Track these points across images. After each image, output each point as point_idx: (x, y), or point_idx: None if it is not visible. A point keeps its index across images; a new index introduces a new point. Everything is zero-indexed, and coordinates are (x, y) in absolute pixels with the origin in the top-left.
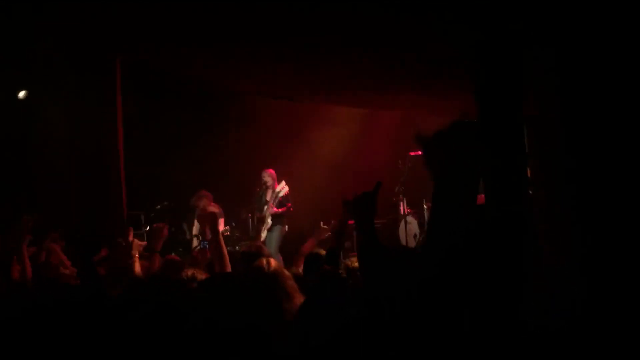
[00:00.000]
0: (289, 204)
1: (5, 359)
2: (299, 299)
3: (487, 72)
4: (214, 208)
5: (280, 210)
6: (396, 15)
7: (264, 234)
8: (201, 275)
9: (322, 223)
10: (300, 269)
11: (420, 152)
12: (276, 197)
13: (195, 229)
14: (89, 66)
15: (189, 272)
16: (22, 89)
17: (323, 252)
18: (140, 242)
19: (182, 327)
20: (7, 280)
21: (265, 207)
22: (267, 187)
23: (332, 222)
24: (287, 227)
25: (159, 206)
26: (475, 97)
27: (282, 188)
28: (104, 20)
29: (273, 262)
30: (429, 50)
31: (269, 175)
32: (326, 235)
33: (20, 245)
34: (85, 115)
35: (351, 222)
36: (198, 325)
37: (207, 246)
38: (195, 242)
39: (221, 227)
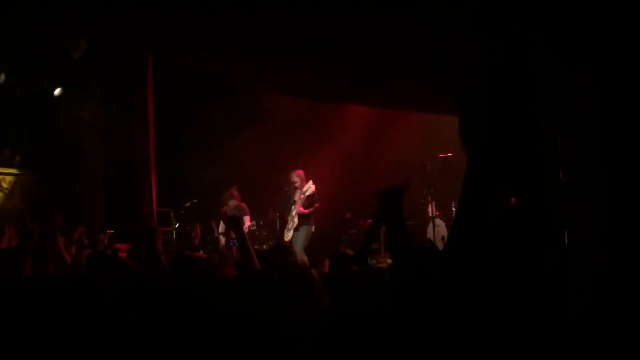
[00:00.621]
0: (317, 204)
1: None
2: (325, 299)
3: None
4: (234, 202)
5: (306, 210)
6: (426, 13)
7: (290, 233)
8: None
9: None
10: (326, 269)
11: (449, 155)
12: (304, 196)
13: (221, 228)
14: (121, 64)
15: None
16: (57, 87)
17: (350, 251)
18: (160, 229)
19: (214, 322)
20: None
21: (293, 207)
22: (295, 188)
23: (365, 221)
24: (313, 227)
25: (188, 204)
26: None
27: (309, 187)
28: (136, 19)
29: (301, 259)
30: (461, 50)
31: (297, 176)
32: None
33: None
34: (117, 112)
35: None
36: (229, 320)
37: (235, 244)
38: (222, 240)
39: (247, 224)
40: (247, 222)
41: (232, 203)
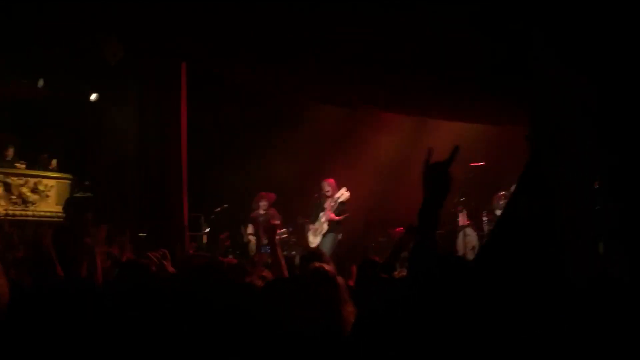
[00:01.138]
0: (348, 214)
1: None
2: (350, 307)
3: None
4: (264, 205)
5: (337, 217)
6: (457, 24)
7: (318, 239)
8: (265, 275)
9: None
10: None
11: (481, 163)
12: (335, 203)
13: (250, 229)
14: (156, 71)
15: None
16: (93, 93)
17: (378, 259)
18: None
19: (245, 328)
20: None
21: (322, 213)
22: (326, 196)
23: (394, 230)
24: (341, 235)
25: (219, 209)
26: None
27: (342, 194)
28: (171, 27)
29: (328, 267)
30: (486, 62)
31: (328, 185)
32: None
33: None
34: (151, 118)
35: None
36: (260, 326)
37: (267, 251)
38: (252, 243)
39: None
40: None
41: (263, 206)
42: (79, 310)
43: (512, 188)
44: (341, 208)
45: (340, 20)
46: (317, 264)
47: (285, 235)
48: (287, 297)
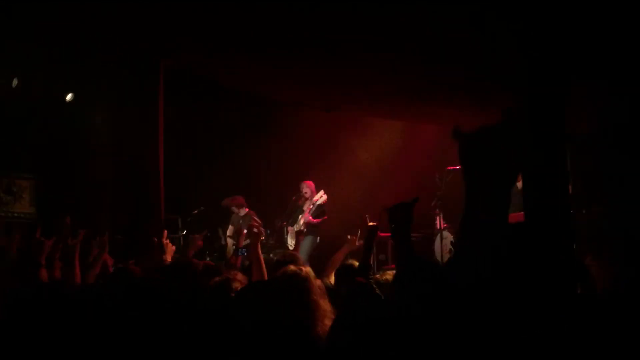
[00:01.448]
0: (325, 216)
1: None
2: (326, 306)
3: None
4: (242, 211)
5: (315, 220)
6: (441, 27)
7: (294, 242)
8: (238, 279)
9: (349, 236)
10: (332, 280)
11: (458, 167)
12: (314, 205)
13: (230, 231)
14: (132, 70)
15: (230, 276)
16: (69, 92)
17: (355, 263)
18: (172, 247)
19: (218, 330)
20: (51, 279)
21: (300, 216)
22: (305, 198)
23: (360, 231)
24: (319, 238)
25: (195, 211)
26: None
27: (321, 197)
28: (148, 24)
29: (305, 268)
30: (474, 64)
31: (307, 187)
32: (357, 245)
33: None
34: (127, 118)
35: (383, 234)
36: (234, 328)
37: (244, 254)
38: (229, 245)
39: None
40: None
41: (240, 211)
42: (59, 313)
43: None
44: (319, 210)
45: (321, 22)
46: (291, 267)
47: (262, 238)
48: (260, 300)
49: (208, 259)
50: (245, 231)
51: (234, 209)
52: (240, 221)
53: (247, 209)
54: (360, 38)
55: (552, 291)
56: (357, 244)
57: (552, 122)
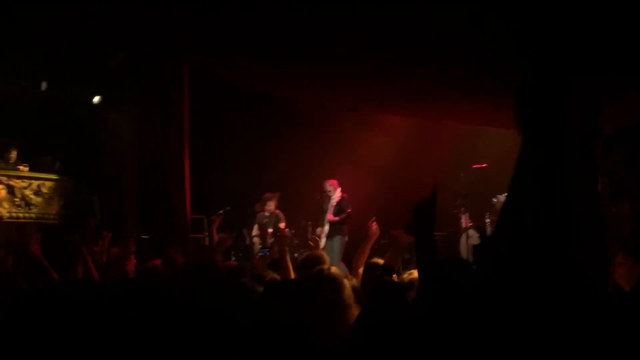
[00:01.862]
0: (349, 209)
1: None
2: (355, 310)
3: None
4: (270, 207)
5: (336, 217)
6: (463, 25)
7: (322, 241)
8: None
9: (370, 221)
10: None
11: (484, 165)
12: (331, 204)
13: (255, 231)
14: (158, 73)
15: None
16: (96, 95)
17: (380, 261)
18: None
19: (239, 330)
20: (73, 278)
21: (324, 215)
22: (329, 197)
23: (392, 232)
24: (347, 236)
25: (221, 211)
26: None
27: (335, 195)
28: (173, 28)
29: (333, 269)
30: (495, 62)
31: (330, 185)
32: (376, 232)
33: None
34: (153, 120)
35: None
36: (255, 328)
37: (266, 254)
38: (257, 244)
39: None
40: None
41: (269, 207)
42: (78, 312)
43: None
44: (337, 208)
45: (341, 22)
46: (325, 267)
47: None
48: (289, 300)
49: (233, 259)
50: (270, 230)
51: (259, 207)
52: (266, 220)
53: (273, 209)
54: (379, 38)
55: (576, 292)
56: (375, 230)
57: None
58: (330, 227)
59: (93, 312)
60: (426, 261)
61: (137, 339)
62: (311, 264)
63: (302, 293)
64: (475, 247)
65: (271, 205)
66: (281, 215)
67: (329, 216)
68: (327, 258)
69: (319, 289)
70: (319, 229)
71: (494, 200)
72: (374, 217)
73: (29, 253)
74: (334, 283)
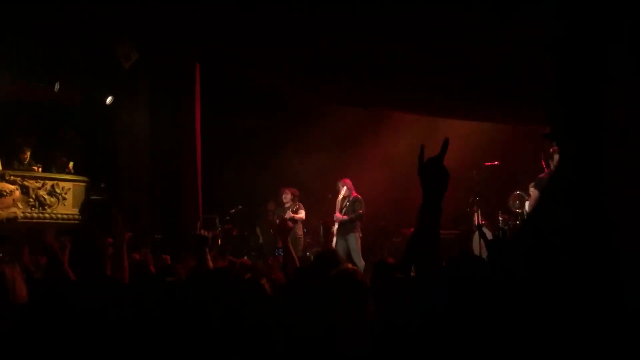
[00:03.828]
0: (361, 211)
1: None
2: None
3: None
4: (288, 199)
5: (344, 217)
6: (473, 18)
7: (333, 239)
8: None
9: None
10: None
11: (496, 163)
12: (343, 203)
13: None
14: (170, 72)
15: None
16: (108, 95)
17: (392, 260)
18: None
19: (254, 328)
20: (102, 276)
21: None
22: (342, 197)
23: (405, 231)
24: (360, 233)
25: (233, 210)
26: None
27: (344, 192)
28: (185, 28)
29: (359, 271)
30: (506, 56)
31: (343, 184)
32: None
33: (121, 243)
34: (165, 120)
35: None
36: (272, 327)
37: (280, 254)
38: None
39: (302, 215)
40: (303, 215)
41: (287, 200)
42: (98, 310)
43: (530, 188)
44: (351, 208)
45: (354, 22)
46: (348, 266)
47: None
48: (312, 299)
49: (245, 257)
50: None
51: (285, 197)
52: (276, 216)
53: (289, 201)
54: (390, 38)
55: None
56: None
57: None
58: (342, 225)
59: (110, 309)
60: (423, 255)
61: (154, 338)
62: (324, 260)
63: (327, 293)
64: (489, 243)
65: (288, 198)
66: (302, 207)
67: (337, 214)
68: (340, 255)
69: (345, 289)
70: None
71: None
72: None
73: (46, 244)
74: (361, 284)
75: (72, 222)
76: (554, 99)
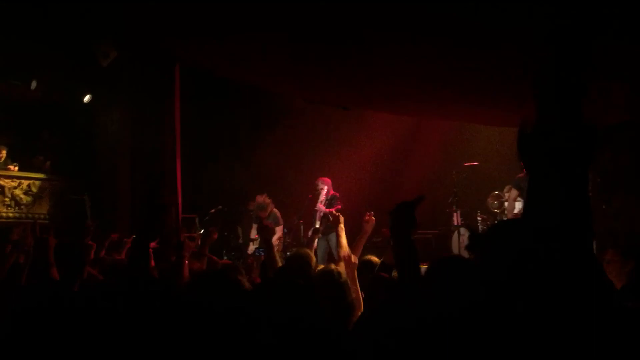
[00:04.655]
0: (339, 205)
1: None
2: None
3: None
4: (322, 196)
5: (327, 209)
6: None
7: (315, 241)
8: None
9: (366, 215)
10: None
11: (475, 163)
12: (321, 199)
13: (254, 232)
14: (149, 71)
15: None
16: (86, 94)
17: (374, 259)
18: (190, 243)
19: (237, 327)
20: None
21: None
22: (320, 195)
23: (384, 231)
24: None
25: (213, 210)
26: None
27: (325, 190)
28: (164, 26)
29: (343, 272)
30: (488, 57)
31: (323, 183)
32: (372, 228)
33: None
34: (144, 119)
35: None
36: (253, 325)
37: (261, 253)
38: (251, 247)
39: (278, 234)
40: (279, 232)
41: (323, 190)
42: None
43: (506, 189)
44: (328, 204)
45: (334, 20)
46: (332, 266)
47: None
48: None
49: (225, 257)
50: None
51: (322, 188)
52: (253, 215)
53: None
54: (371, 33)
55: (571, 292)
56: (371, 224)
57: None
58: (323, 225)
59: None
60: (404, 262)
61: (138, 338)
62: (296, 261)
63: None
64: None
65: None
66: (279, 216)
67: (320, 206)
68: (313, 257)
69: (328, 292)
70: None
71: (495, 193)
72: (371, 212)
73: (48, 241)
74: (343, 286)
75: (48, 222)
76: (540, 95)
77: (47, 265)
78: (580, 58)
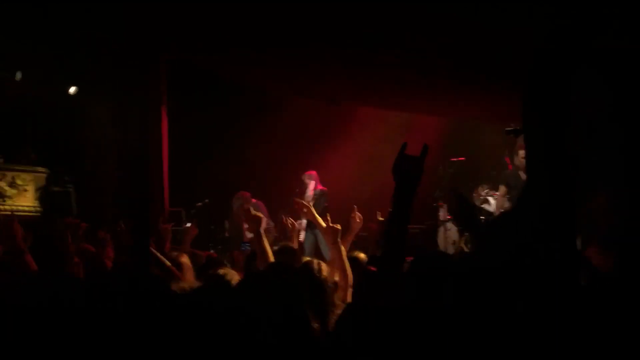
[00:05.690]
0: (327, 204)
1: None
2: (338, 300)
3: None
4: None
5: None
6: (445, 19)
7: (302, 234)
8: (234, 277)
9: (352, 212)
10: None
11: (462, 158)
12: (307, 195)
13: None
14: (135, 64)
15: (222, 272)
16: (71, 86)
17: (361, 255)
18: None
19: (222, 322)
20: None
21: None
22: (306, 189)
23: (371, 225)
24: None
25: (200, 203)
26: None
27: (311, 185)
28: (149, 19)
29: (325, 268)
30: (478, 55)
31: (309, 177)
32: (360, 226)
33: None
34: (130, 112)
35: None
36: (238, 320)
37: (247, 248)
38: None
39: (264, 225)
40: (264, 223)
41: (239, 205)
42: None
43: (481, 189)
44: (315, 202)
45: (323, 13)
46: (314, 261)
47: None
48: (269, 293)
49: (212, 251)
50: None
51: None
52: (235, 207)
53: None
54: (363, 31)
55: (555, 283)
56: (359, 221)
57: (557, 112)
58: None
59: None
60: (397, 223)
61: (123, 336)
62: (283, 255)
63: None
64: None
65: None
66: (263, 207)
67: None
68: (298, 251)
69: (306, 286)
70: (298, 222)
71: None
72: (356, 207)
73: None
74: (322, 284)
75: (33, 214)
76: (526, 96)
77: (20, 254)
78: (578, 58)
